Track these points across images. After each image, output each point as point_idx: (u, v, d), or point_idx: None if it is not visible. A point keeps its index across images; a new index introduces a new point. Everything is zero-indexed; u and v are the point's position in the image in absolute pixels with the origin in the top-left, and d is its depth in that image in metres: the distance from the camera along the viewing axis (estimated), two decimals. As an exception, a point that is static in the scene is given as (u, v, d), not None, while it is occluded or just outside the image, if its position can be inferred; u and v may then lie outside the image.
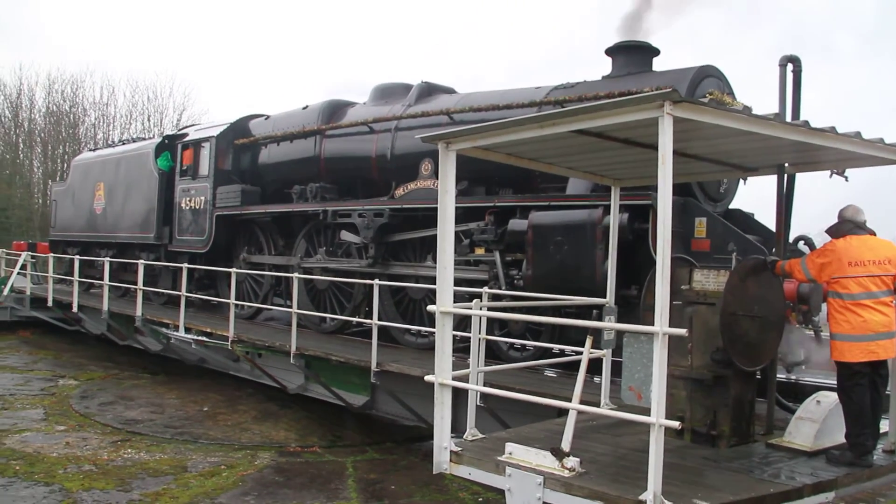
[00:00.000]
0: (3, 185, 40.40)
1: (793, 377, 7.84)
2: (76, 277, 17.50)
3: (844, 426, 5.77)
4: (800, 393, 7.33)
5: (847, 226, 5.90)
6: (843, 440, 5.81)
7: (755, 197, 9.99)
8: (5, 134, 42.36)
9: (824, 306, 6.06)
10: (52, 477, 9.77)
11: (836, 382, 5.90)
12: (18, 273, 21.75)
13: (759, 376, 6.49)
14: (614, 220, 7.51)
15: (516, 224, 9.91)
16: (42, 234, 31.82)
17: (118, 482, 9.68)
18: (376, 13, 65.60)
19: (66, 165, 36.48)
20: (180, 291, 13.99)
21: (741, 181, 9.94)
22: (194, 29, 66.90)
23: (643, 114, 4.56)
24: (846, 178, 6.48)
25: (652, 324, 4.46)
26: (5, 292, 21.81)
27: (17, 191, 40.79)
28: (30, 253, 22.62)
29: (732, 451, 5.98)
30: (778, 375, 6.89)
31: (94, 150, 24.58)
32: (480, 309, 7.14)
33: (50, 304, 18.95)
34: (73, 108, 43.07)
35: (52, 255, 20.96)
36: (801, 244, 7.46)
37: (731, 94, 9.57)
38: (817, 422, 6.01)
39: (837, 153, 5.79)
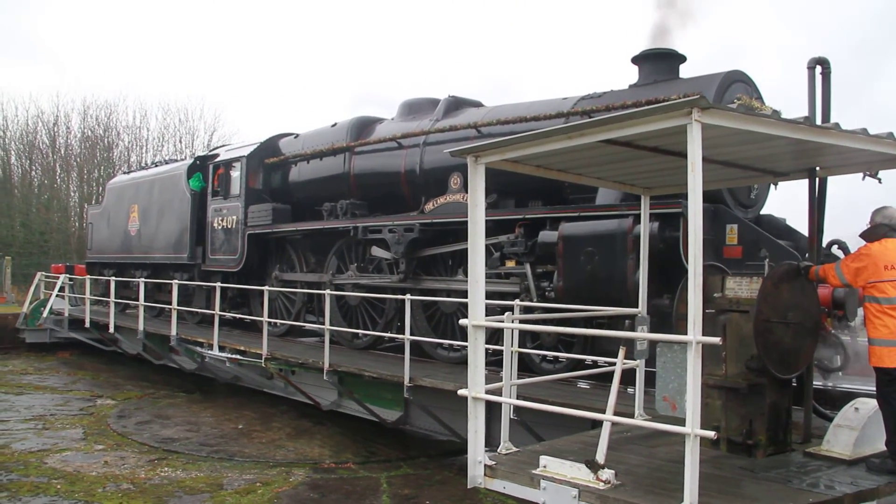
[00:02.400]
0: (42, 209, 41.21)
1: (829, 384, 7.71)
2: (112, 299, 17.76)
3: (884, 433, 5.66)
4: (837, 400, 7.20)
5: (882, 229, 5.81)
6: (884, 448, 5.69)
7: (787, 202, 9.89)
8: (44, 160, 43.23)
9: (860, 311, 5.96)
10: (91, 496, 9.87)
11: (874, 388, 5.80)
12: (57, 295, 22.13)
13: (794, 384, 6.40)
14: (645, 229, 7.47)
15: (546, 236, 9.89)
16: (79, 257, 32.35)
17: (156, 500, 9.75)
18: (399, 26, 66.01)
19: (101, 189, 37.12)
20: (214, 310, 14.14)
21: (772, 186, 9.84)
22: (223, 51, 67.99)
23: (671, 122, 4.55)
24: (879, 180, 6.38)
25: (685, 333, 4.43)
26: (45, 314, 22.21)
27: (54, 215, 41.56)
28: (67, 275, 22.98)
29: (769, 460, 5.89)
30: (814, 382, 6.78)
31: (127, 172, 24.98)
32: (512, 322, 7.13)
33: (87, 325, 19.26)
34: (107, 132, 43.92)
35: (88, 277, 21.28)
36: (834, 248, 7.36)
37: (760, 98, 9.49)
38: (856, 429, 5.90)
39: (869, 155, 5.72)
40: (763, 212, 10.17)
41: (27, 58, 63.32)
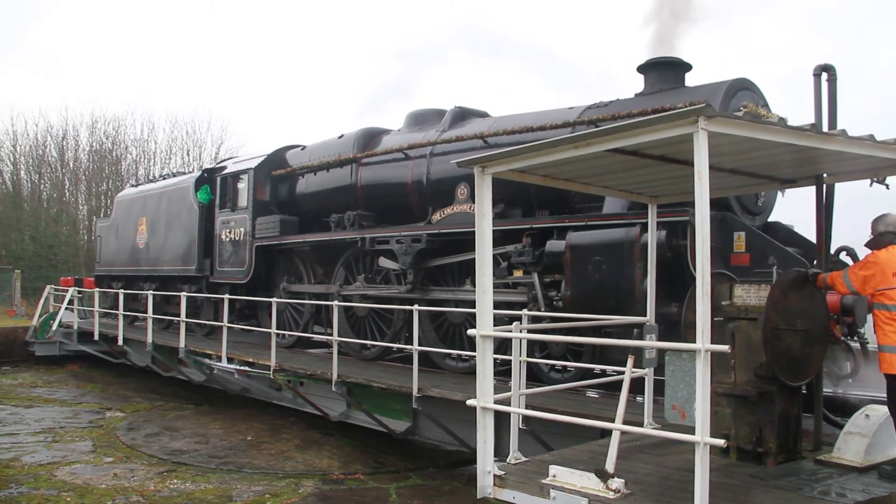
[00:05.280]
0: (51, 222, 41.37)
1: (839, 391, 7.68)
2: (121, 311, 17.80)
3: (896, 440, 5.65)
4: (847, 407, 7.18)
5: (888, 237, 5.82)
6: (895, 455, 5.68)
7: (795, 208, 9.88)
8: (53, 174, 43.43)
9: (870, 318, 5.95)
10: (101, 508, 9.89)
11: (885, 395, 5.77)
12: (66, 308, 22.19)
13: (804, 391, 6.38)
14: (652, 237, 7.46)
15: (554, 245, 9.89)
16: (88, 270, 32.44)
17: (165, 512, 9.76)
18: (402, 33, 66.13)
19: (109, 202, 37.26)
20: (222, 322, 14.17)
21: (779, 193, 9.83)
22: (230, 63, 68.29)
23: (678, 130, 4.55)
24: (887, 186, 6.38)
25: (693, 341, 4.42)
26: (54, 327, 22.26)
27: (63, 228, 41.72)
28: (76, 288, 23.05)
29: (780, 468, 5.87)
30: (824, 390, 6.76)
31: (136, 185, 25.08)
32: (520, 331, 7.13)
33: (96, 337, 19.29)
34: (115, 145, 44.12)
35: (97, 289, 21.35)
36: (843, 255, 7.35)
37: (766, 105, 9.49)
38: (867, 436, 5.88)
39: (877, 161, 5.71)
40: (771, 219, 10.15)
41: (36, 71, 63.87)
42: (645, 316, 7.47)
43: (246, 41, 70.06)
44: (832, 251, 7.15)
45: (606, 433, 6.21)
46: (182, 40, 67.92)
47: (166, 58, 66.59)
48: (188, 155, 44.61)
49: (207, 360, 14.78)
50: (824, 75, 7.00)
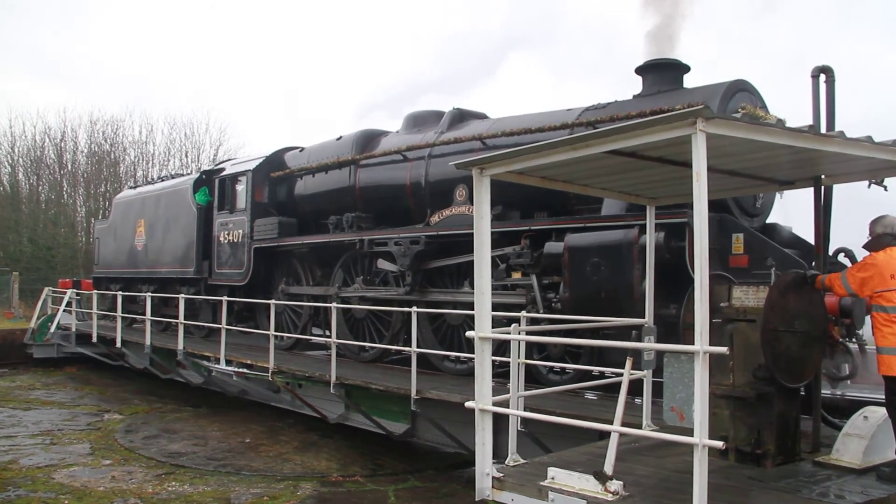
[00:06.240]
0: (49, 224, 41.32)
1: (838, 392, 7.68)
2: (119, 313, 17.79)
3: (894, 442, 5.63)
4: (846, 409, 7.17)
5: (886, 238, 5.82)
6: (894, 456, 5.67)
7: (794, 210, 9.88)
8: (51, 176, 43.39)
9: (868, 319, 5.95)
10: (99, 511, 9.87)
11: (883, 397, 5.77)
12: (64, 310, 22.17)
13: (803, 393, 6.38)
14: (650, 239, 7.46)
15: (552, 247, 9.89)
16: (86, 272, 32.36)
17: (164, 515, 9.75)
18: (402, 35, 66.22)
19: (107, 203, 37.19)
20: (220, 324, 14.15)
21: (778, 195, 9.84)
22: (228, 65, 68.27)
23: (676, 132, 4.54)
24: (885, 188, 6.38)
25: (692, 343, 4.42)
26: (52, 329, 22.24)
27: (61, 230, 41.67)
28: (74, 290, 23.02)
29: (778, 470, 5.86)
30: (823, 391, 6.75)
31: (134, 187, 25.05)
32: (519, 333, 7.12)
33: (94, 340, 19.26)
34: (113, 147, 44.08)
35: (95, 291, 21.32)
36: (841, 256, 7.35)
37: (764, 107, 9.50)
38: (865, 438, 5.87)
39: (875, 163, 5.71)
40: (769, 220, 10.15)
41: (35, 72, 63.84)
42: (643, 318, 7.46)
43: (246, 42, 70.09)
44: (830, 252, 7.15)
45: (605, 435, 6.20)
46: (181, 41, 67.94)
47: (165, 59, 66.59)
48: (186, 157, 44.65)
49: (206, 363, 14.77)
50: (822, 77, 7.01)
